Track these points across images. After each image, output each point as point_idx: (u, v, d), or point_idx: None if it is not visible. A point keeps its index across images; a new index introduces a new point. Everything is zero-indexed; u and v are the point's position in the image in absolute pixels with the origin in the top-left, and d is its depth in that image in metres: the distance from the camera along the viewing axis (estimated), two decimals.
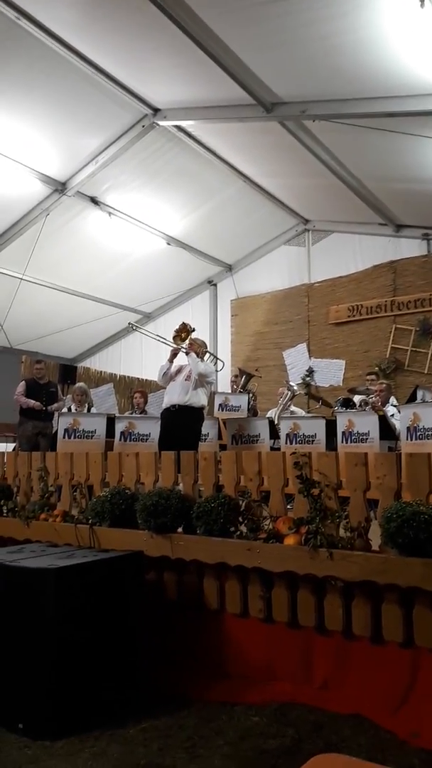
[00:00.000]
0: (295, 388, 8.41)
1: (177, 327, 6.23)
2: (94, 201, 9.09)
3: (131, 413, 7.91)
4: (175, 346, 6.19)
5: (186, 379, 6.04)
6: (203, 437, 6.44)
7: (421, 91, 5.93)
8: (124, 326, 12.65)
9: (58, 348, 12.36)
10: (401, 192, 8.62)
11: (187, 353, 6.15)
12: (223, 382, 9.72)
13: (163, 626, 3.55)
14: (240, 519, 3.47)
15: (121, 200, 9.22)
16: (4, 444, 8.97)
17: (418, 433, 4.90)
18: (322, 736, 2.68)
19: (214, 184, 9.24)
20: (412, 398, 6.71)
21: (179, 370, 6.16)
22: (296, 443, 5.54)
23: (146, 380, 11.14)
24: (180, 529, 3.63)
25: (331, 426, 5.60)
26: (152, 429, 5.86)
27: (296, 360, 10.76)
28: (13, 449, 8.10)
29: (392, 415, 6.31)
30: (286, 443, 5.63)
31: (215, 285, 12.20)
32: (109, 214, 9.36)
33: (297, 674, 3.17)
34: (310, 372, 10.45)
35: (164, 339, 6.82)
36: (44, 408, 7.60)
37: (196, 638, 3.48)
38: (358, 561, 2.94)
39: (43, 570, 2.99)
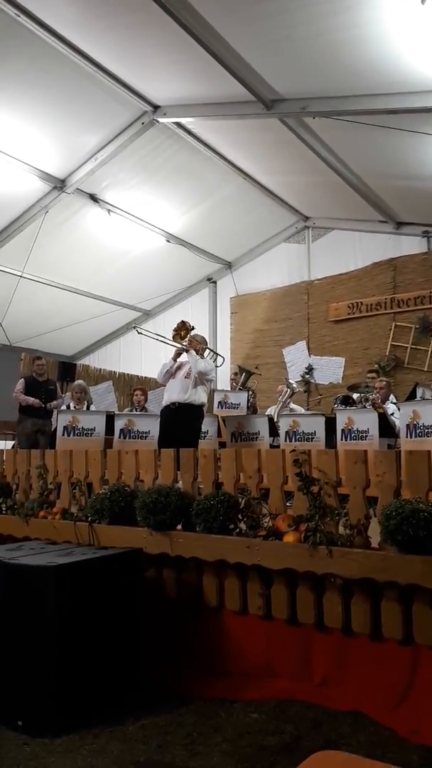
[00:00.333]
0: (295, 385, 8.42)
1: (176, 326, 6.22)
2: (94, 198, 9.07)
3: (131, 410, 7.92)
4: (178, 345, 6.18)
5: (186, 377, 6.03)
6: (202, 435, 6.44)
7: (422, 87, 5.91)
8: (123, 324, 12.66)
9: (58, 345, 12.35)
10: (401, 189, 8.61)
11: (187, 351, 6.14)
12: (223, 379, 9.72)
13: (163, 623, 3.55)
14: (239, 516, 3.47)
15: (121, 197, 9.20)
16: (3, 441, 8.97)
17: (418, 431, 4.91)
18: (321, 733, 2.69)
19: (213, 181, 9.22)
20: (411, 396, 6.72)
21: (179, 368, 6.14)
22: (296, 441, 5.54)
23: (145, 377, 11.14)
24: (179, 527, 3.63)
25: (330, 423, 5.61)
26: (152, 426, 5.86)
27: (296, 357, 10.76)
28: (12, 447, 8.10)
29: (392, 413, 6.31)
30: (285, 441, 5.64)
31: (215, 282, 12.19)
32: (109, 211, 9.33)
33: (296, 671, 3.17)
34: (310, 369, 10.46)
35: (167, 339, 6.82)
36: (43, 405, 7.60)
37: (196, 635, 3.48)
38: (357, 558, 2.94)
39: (42, 567, 2.99)
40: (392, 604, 2.91)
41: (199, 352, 6.19)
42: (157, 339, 7.69)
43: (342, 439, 5.37)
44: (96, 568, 3.21)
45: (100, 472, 4.21)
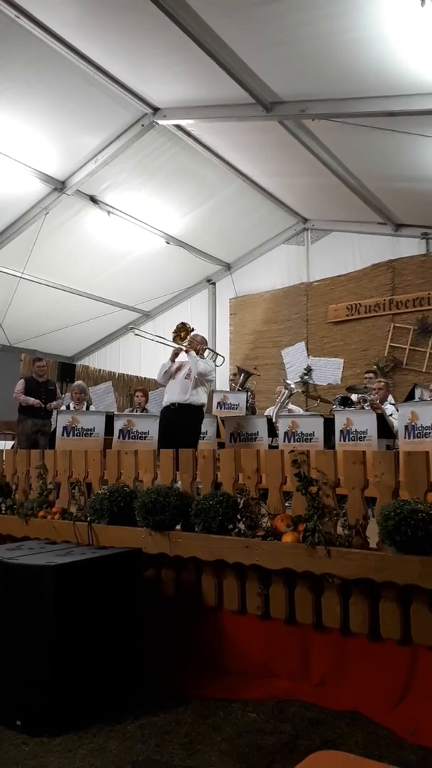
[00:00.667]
0: (293, 386, 8.43)
1: (176, 327, 6.21)
2: (94, 200, 9.09)
3: (131, 411, 7.92)
4: (176, 346, 6.17)
5: (186, 378, 6.01)
6: (201, 435, 6.45)
7: (421, 90, 5.93)
8: (123, 325, 12.68)
9: (57, 346, 12.37)
10: (400, 191, 8.63)
11: (187, 352, 6.14)
12: (222, 380, 9.74)
13: (161, 623, 3.56)
14: (238, 516, 3.47)
15: (121, 199, 9.22)
16: (3, 441, 8.97)
17: (416, 432, 4.92)
18: (320, 733, 2.69)
19: (213, 183, 9.24)
20: (410, 397, 6.74)
21: (179, 368, 6.12)
22: (294, 441, 5.56)
23: (145, 378, 11.15)
24: (178, 527, 3.63)
25: (329, 424, 5.62)
26: (151, 427, 5.88)
27: (295, 359, 10.78)
28: (12, 447, 8.11)
29: (390, 414, 6.32)
30: (284, 441, 5.65)
31: (214, 284, 12.21)
32: (109, 212, 9.35)
33: (294, 671, 3.18)
34: (309, 370, 10.47)
35: (165, 340, 6.82)
36: (43, 406, 7.61)
37: (194, 635, 3.49)
38: (355, 558, 2.95)
39: (41, 567, 2.99)
40: (390, 604, 2.92)
41: (199, 353, 6.18)
42: (153, 339, 7.69)
43: (341, 440, 5.39)
44: (95, 568, 3.21)
45: (99, 472, 4.22)
